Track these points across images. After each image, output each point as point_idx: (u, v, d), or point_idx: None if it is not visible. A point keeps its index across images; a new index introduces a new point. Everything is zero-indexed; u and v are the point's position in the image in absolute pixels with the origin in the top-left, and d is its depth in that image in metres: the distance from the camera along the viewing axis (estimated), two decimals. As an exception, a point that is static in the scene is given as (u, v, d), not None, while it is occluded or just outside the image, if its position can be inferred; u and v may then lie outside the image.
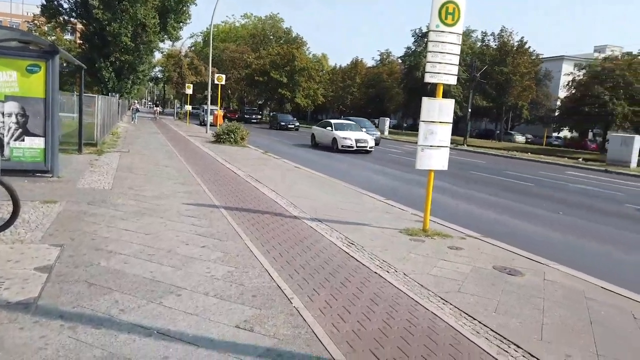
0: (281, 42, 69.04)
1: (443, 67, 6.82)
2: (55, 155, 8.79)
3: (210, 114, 29.82)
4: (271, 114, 55.87)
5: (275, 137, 30.58)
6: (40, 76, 8.44)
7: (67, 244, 5.07)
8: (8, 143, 8.43)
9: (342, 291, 4.36)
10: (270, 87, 60.80)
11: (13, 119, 8.41)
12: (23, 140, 8.53)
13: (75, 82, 54.23)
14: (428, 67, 6.79)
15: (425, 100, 6.88)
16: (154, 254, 4.98)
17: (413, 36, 59.58)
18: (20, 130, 8.49)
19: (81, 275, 4.22)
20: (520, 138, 56.08)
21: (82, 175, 9.56)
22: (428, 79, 6.88)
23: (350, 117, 33.88)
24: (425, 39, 59.51)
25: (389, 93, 67.15)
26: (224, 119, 28.14)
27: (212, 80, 27.67)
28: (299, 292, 4.25)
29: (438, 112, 6.91)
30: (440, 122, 6.94)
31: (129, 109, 37.17)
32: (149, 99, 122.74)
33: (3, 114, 8.34)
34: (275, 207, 8.08)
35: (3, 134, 8.39)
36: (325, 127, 23.90)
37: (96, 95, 14.58)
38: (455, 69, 6.92)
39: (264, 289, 4.27)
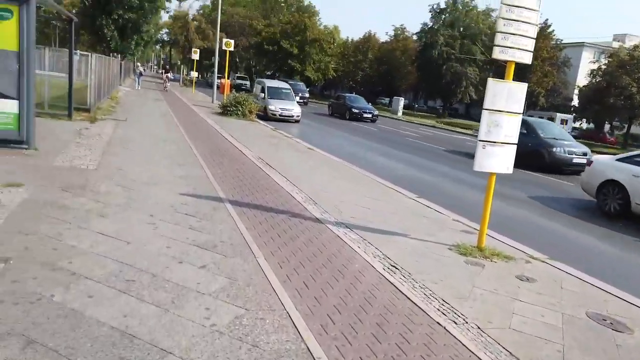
0: (292, 9, 66.37)
1: (517, 41, 5.30)
2: (30, 122, 7.32)
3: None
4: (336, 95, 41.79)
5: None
6: (12, 24, 6.90)
7: (15, 257, 3.68)
8: (-27, 105, 6.97)
9: (400, 361, 2.99)
10: (279, 58, 58.56)
11: (-21, 76, 6.93)
12: (-9, 103, 7.06)
13: (79, 40, 52.16)
14: (498, 39, 5.24)
15: (490, 83, 5.37)
16: (133, 279, 3.59)
17: (430, 12, 56.98)
18: (-12, 90, 7.01)
19: (18, 323, 2.83)
20: (535, 126, 53.68)
21: (65, 148, 8.11)
22: (497, 54, 5.33)
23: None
24: (443, 16, 57.48)
25: (401, 71, 64.92)
26: (231, 89, 26.45)
27: (220, 46, 25.88)
28: (339, 362, 2.88)
29: (506, 99, 5.40)
30: (507, 112, 5.44)
31: (134, 72, 35.20)
32: (155, 62, 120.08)
33: (-33, 69, 6.86)
34: (292, 203, 6.66)
35: (-34, 95, 6.93)
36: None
37: (89, 54, 12.99)
38: (531, 44, 5.41)
39: (289, 356, 2.89)
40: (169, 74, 35.08)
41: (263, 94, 22.24)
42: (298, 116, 21.58)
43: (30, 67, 7.14)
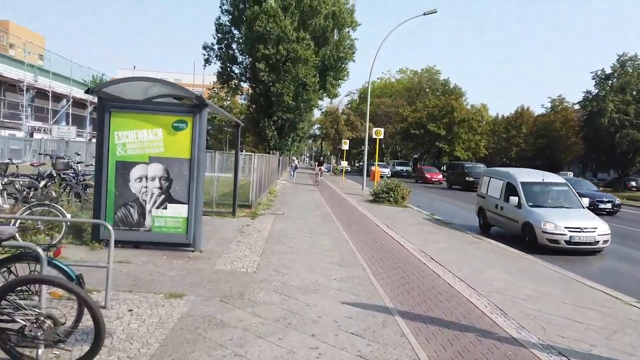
0: (438, 93, 66.69)
1: None
2: (198, 226, 7.46)
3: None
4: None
5: (434, 195, 27.64)
6: (186, 134, 7.32)
7: (165, 397, 3.13)
8: (150, 211, 7.37)
9: None
10: (426, 140, 58.22)
11: (157, 183, 7.36)
12: (166, 207, 7.39)
13: (245, 142, 59.15)
14: None
15: None
16: None
17: (594, 78, 51.84)
18: (163, 196, 7.38)
19: None
20: None
21: (227, 248, 8.10)
22: None
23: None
24: (610, 81, 51.69)
25: (563, 143, 59.07)
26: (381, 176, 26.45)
27: (370, 135, 26.35)
28: None
29: None
30: None
31: (289, 165, 37.99)
32: (307, 154, 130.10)
33: (147, 177, 7.34)
34: (475, 314, 5.36)
35: (145, 201, 7.37)
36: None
37: (252, 154, 13.84)
38: None
39: None
40: (322, 167, 32.49)
41: (513, 197, 11.29)
42: (605, 242, 10.24)
43: (200, 173, 7.40)
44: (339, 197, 20.97)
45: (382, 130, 24.26)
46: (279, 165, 31.90)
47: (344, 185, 30.38)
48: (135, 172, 7.32)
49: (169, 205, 7.38)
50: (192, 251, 7.44)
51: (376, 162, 26.92)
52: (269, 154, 25.90)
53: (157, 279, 5.76)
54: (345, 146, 35.33)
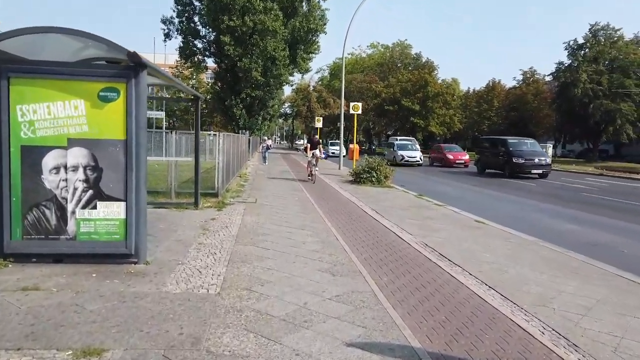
0: (410, 68, 65.15)
1: None
2: (141, 229, 5.55)
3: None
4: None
5: (407, 171, 26.24)
6: (118, 106, 5.35)
7: None
8: (73, 212, 5.42)
9: None
10: (401, 116, 56.81)
11: (80, 174, 5.39)
12: (95, 207, 5.46)
13: (212, 122, 56.26)
14: None
15: None
16: None
17: (566, 49, 51.22)
18: (90, 192, 5.43)
19: None
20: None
21: (183, 255, 6.24)
22: None
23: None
24: (582, 52, 51.06)
25: (536, 116, 58.76)
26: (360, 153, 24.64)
27: (347, 111, 24.55)
28: None
29: None
30: None
31: (261, 146, 34.93)
32: (278, 134, 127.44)
33: (66, 167, 5.37)
34: (535, 347, 3.74)
35: (66, 199, 5.41)
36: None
37: (217, 133, 11.82)
38: None
39: None
40: (317, 151, 17.94)
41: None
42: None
43: (140, 159, 5.47)
44: (316, 179, 19.19)
45: (359, 104, 22.44)
46: (249, 146, 29.74)
47: (319, 165, 28.60)
48: (49, 161, 5.33)
49: (99, 203, 5.45)
50: (135, 263, 5.56)
51: (355, 139, 25.14)
52: (237, 134, 23.77)
53: (69, 320, 3.88)
54: (318, 124, 33.39)
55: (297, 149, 50.73)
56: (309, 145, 18.55)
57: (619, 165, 35.68)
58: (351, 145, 25.83)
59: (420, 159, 31.66)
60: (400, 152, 31.76)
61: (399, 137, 39.00)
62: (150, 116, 33.68)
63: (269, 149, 28.94)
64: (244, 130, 31.22)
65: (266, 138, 32.82)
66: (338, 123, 29.67)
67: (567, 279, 5.86)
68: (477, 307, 4.73)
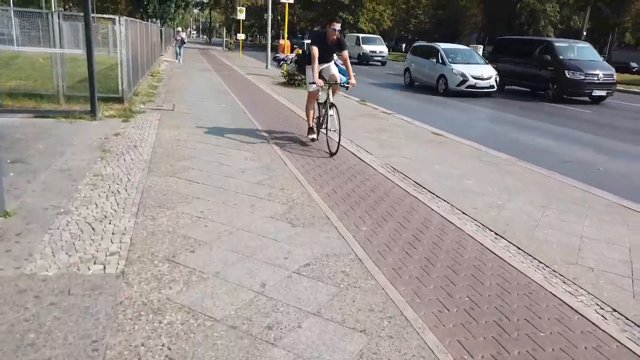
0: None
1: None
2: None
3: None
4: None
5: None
6: None
7: None
8: None
9: None
10: (329, 11, 52.97)
11: None
12: None
13: (117, 9, 48.67)
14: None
15: None
16: None
17: (495, -57, 49.10)
18: None
19: None
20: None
21: (67, 200, 4.24)
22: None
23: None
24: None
25: (463, 15, 57.88)
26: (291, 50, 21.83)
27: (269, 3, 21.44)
28: None
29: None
30: None
31: (174, 40, 29.47)
32: (193, 27, 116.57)
33: None
34: (554, 311, 2.53)
35: None
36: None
37: (116, 17, 8.99)
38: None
39: None
40: (332, 66, 7.07)
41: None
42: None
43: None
44: (243, 80, 16.81)
45: (289, -9, 19.50)
46: (161, 39, 25.72)
47: (243, 64, 25.71)
48: None
49: None
50: (-15, 219, 3.56)
51: (285, 35, 22.33)
52: (144, 21, 19.97)
53: None
54: (241, 15, 29.59)
55: (229, 48, 45.01)
56: (315, 49, 6.48)
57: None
58: (281, 41, 23.06)
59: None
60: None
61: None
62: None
63: (184, 43, 24.72)
64: (154, 19, 26.85)
65: (180, 30, 28.19)
66: (266, 15, 26.29)
67: (574, 221, 4.77)
68: (466, 245, 3.43)
